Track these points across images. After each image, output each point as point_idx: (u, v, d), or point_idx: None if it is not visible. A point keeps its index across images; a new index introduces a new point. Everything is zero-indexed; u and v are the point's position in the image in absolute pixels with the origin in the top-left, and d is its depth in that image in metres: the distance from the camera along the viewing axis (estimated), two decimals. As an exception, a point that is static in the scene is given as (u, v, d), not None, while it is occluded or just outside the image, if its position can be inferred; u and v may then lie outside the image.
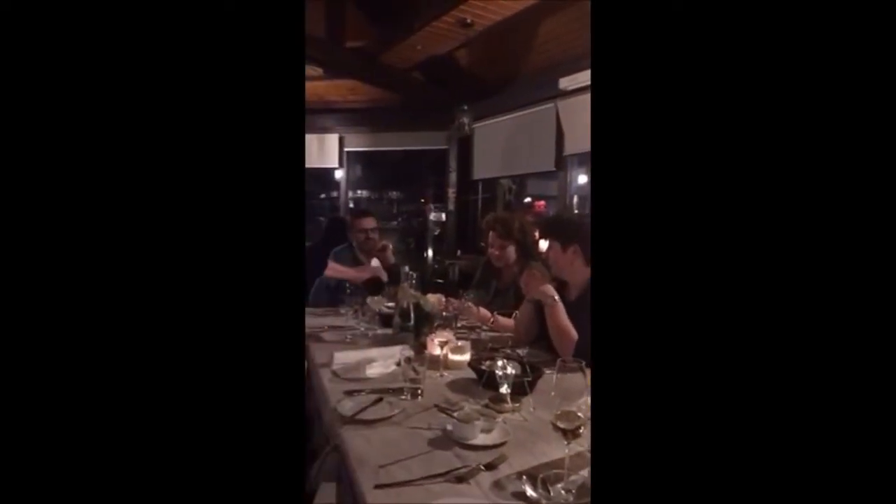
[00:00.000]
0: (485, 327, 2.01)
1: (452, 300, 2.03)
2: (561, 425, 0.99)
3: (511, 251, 2.23)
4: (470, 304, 2.04)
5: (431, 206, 5.16)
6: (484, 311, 2.07)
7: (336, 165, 5.42)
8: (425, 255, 5.11)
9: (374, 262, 2.47)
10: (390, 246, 2.78)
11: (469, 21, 3.32)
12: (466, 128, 4.50)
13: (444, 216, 5.02)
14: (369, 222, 2.77)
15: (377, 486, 0.89)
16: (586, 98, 3.40)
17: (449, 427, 1.11)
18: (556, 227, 1.81)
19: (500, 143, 4.45)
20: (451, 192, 4.96)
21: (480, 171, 4.80)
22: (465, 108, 4.48)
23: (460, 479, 0.92)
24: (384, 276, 2.53)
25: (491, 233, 2.27)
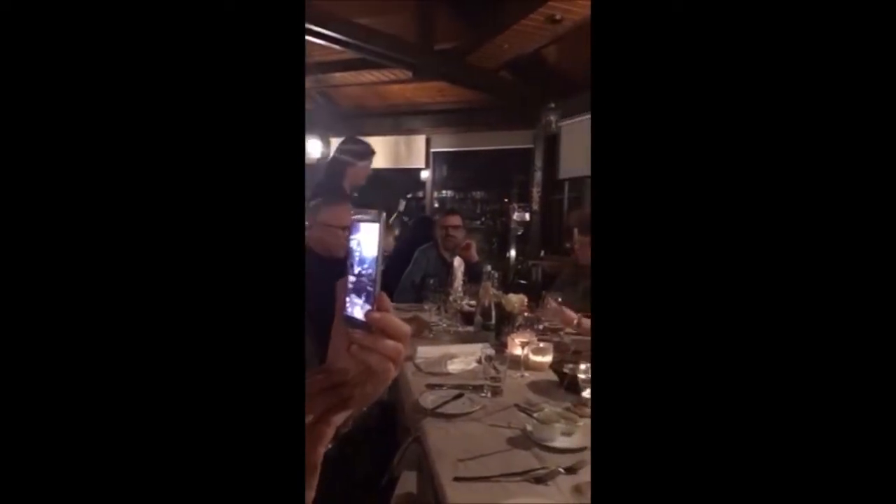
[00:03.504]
0: (568, 330, 1.95)
1: (537, 303, 2.00)
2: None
3: None
4: (554, 304, 1.99)
5: (515, 205, 5.12)
6: (569, 313, 2.00)
7: (422, 166, 5.56)
8: (508, 255, 5.08)
9: (457, 262, 2.50)
10: (473, 244, 2.80)
11: (558, 17, 3.25)
12: (553, 126, 4.41)
13: (527, 216, 4.96)
14: (452, 220, 2.81)
15: (456, 479, 0.91)
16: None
17: (529, 427, 1.10)
18: None
19: (589, 141, 4.30)
20: (537, 192, 4.89)
21: (567, 171, 4.68)
22: (552, 106, 4.39)
23: (539, 480, 0.91)
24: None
25: (575, 230, 2.20)
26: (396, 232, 2.57)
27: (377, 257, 0.44)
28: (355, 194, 2.64)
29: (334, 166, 2.62)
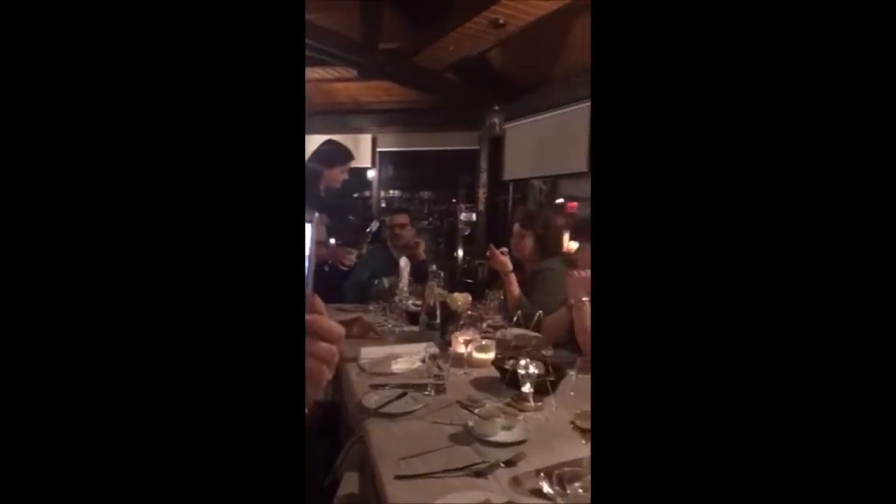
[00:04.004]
0: (509, 331, 2.00)
1: (482, 302, 2.06)
2: (580, 424, 1.00)
3: (529, 242, 2.23)
4: (494, 249, 2.22)
5: (462, 206, 5.18)
6: (505, 258, 2.21)
7: (369, 165, 5.51)
8: (455, 254, 5.13)
9: (403, 261, 2.50)
10: (422, 243, 2.82)
11: (501, 21, 3.32)
12: (497, 128, 4.50)
13: (474, 216, 5.03)
14: (399, 218, 2.83)
15: (397, 477, 0.92)
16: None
17: (470, 423, 1.13)
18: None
19: (532, 144, 4.43)
20: (482, 193, 4.97)
21: (511, 172, 4.79)
22: (497, 108, 4.48)
23: (479, 474, 0.94)
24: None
25: (516, 224, 2.30)
26: (363, 250, 2.60)
27: (309, 257, 0.43)
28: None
29: (310, 169, 2.56)
